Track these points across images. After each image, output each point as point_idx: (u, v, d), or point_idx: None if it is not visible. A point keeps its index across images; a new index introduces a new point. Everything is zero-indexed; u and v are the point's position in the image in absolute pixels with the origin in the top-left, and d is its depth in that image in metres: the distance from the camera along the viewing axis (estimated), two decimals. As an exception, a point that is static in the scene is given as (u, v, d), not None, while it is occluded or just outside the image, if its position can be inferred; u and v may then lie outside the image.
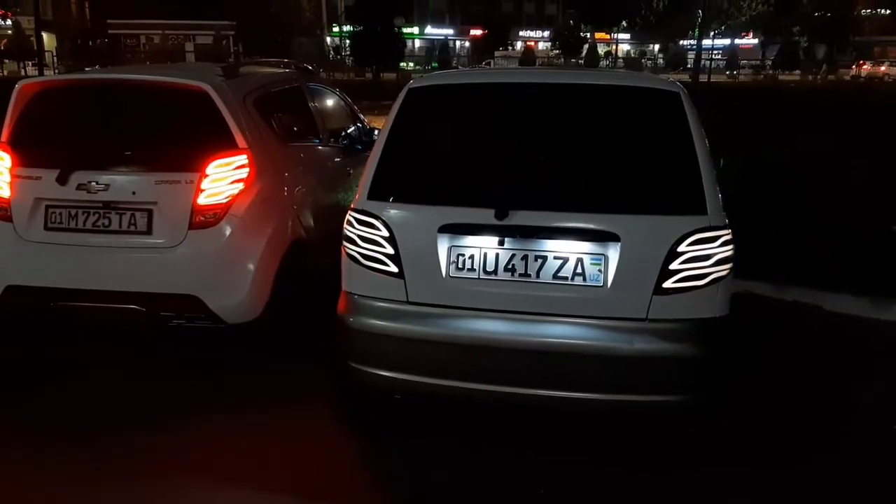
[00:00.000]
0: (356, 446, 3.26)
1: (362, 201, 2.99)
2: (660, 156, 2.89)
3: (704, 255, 2.74)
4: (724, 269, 2.79)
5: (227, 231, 3.84)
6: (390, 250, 2.89)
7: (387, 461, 3.12)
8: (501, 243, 2.80)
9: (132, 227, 3.84)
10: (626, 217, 2.77)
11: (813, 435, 3.34)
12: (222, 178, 3.86)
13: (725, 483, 2.93)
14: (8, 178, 3.93)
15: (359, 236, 2.97)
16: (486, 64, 41.61)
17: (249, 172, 3.93)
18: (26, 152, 3.94)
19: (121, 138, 3.95)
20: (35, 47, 43.18)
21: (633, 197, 2.83)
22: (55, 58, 44.78)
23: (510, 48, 54.27)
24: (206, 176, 3.82)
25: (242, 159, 3.91)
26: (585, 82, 3.12)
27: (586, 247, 2.77)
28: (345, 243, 3.03)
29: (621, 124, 2.97)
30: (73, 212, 3.87)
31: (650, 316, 2.76)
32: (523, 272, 2.79)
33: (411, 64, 46.55)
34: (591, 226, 2.76)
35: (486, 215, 2.78)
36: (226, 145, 3.89)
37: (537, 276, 2.79)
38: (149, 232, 3.83)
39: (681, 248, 2.73)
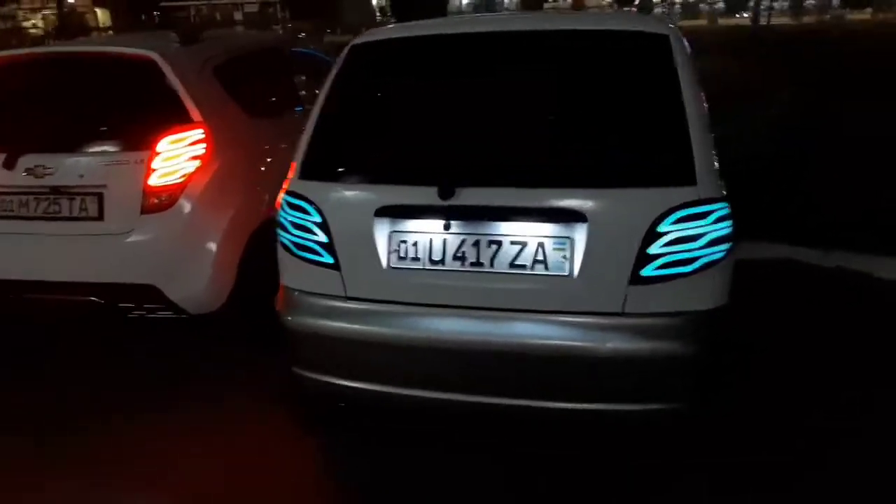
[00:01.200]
0: (318, 450, 2.91)
1: (294, 182, 2.57)
2: (639, 115, 2.36)
3: (692, 236, 2.23)
4: (718, 251, 2.27)
5: (183, 214, 3.51)
6: (323, 238, 2.48)
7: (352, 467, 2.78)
8: (448, 227, 2.35)
9: (83, 214, 3.54)
10: (594, 192, 2.27)
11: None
12: (175, 156, 3.51)
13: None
14: (-42, 165, 3.68)
15: (291, 222, 2.56)
16: None
17: (206, 148, 3.56)
18: None
19: (68, 117, 3.64)
20: (90, 24, 44.05)
21: (603, 167, 2.31)
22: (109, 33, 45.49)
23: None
24: (158, 154, 3.47)
25: (198, 134, 3.55)
26: (552, 28, 2.59)
27: (548, 229, 2.29)
28: (278, 230, 2.64)
29: (595, 78, 2.45)
30: (23, 199, 3.60)
31: (627, 310, 2.28)
32: (475, 261, 2.34)
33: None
34: (552, 204, 2.27)
35: (429, 194, 2.33)
36: (179, 119, 3.53)
37: (491, 264, 2.33)
38: (100, 218, 3.52)
39: (662, 228, 2.22)
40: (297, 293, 2.59)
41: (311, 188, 2.51)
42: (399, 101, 2.62)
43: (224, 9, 54.51)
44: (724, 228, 2.27)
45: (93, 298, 3.56)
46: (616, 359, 2.27)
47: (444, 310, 2.38)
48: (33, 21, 42.17)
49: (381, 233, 2.41)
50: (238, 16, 52.84)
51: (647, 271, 2.24)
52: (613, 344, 2.27)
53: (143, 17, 51.69)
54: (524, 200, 2.30)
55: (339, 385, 2.55)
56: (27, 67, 3.79)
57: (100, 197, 3.51)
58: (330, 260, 2.48)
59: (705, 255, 2.25)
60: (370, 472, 2.68)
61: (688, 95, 2.31)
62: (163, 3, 54.75)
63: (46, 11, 47.80)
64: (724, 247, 2.28)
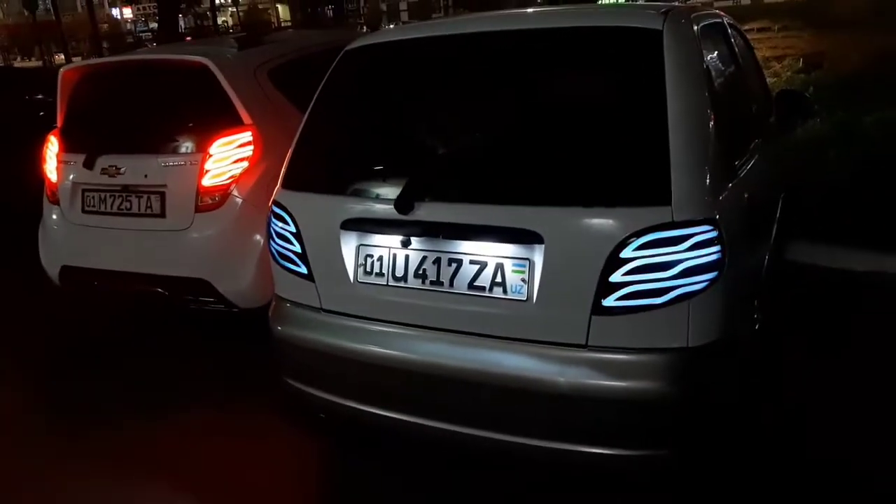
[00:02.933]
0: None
1: (277, 191, 2.58)
2: (613, 124, 2.08)
3: (662, 263, 1.95)
4: (698, 281, 1.96)
5: (231, 213, 3.69)
6: (298, 248, 2.47)
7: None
8: (407, 243, 2.23)
9: (149, 211, 3.83)
10: (551, 210, 2.04)
11: None
12: (225, 158, 3.69)
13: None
14: (55, 163, 4.12)
15: (274, 231, 2.58)
16: None
17: (254, 150, 3.70)
18: (68, 138, 4.10)
19: (135, 120, 3.93)
20: (271, 19, 47.43)
21: (565, 183, 2.08)
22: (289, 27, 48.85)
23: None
24: (210, 156, 3.67)
25: (246, 136, 3.69)
26: (536, 27, 2.36)
27: (507, 249, 2.11)
28: (269, 239, 2.67)
29: (572, 81, 2.20)
30: (102, 195, 3.95)
31: (591, 342, 2.04)
32: (435, 279, 2.21)
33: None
34: (508, 222, 2.08)
35: (389, 208, 2.23)
36: (229, 122, 3.70)
37: (451, 284, 2.19)
38: (163, 215, 3.79)
39: (625, 254, 1.96)
40: (283, 302, 2.61)
41: (289, 198, 2.51)
42: (374, 109, 2.54)
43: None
44: (707, 255, 1.95)
45: (159, 290, 3.83)
46: (578, 394, 2.05)
47: (405, 328, 2.28)
48: (223, 18, 46.27)
49: (349, 246, 2.36)
50: (403, 5, 54.42)
51: (610, 301, 1.99)
52: (574, 378, 2.05)
53: (319, 10, 54.92)
54: (481, 218, 2.13)
55: (317, 396, 2.54)
56: (102, 75, 4.13)
57: (162, 195, 3.76)
58: (304, 271, 2.47)
59: (680, 287, 1.95)
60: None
61: (674, 99, 2.01)
62: (334, -4, 57.74)
63: (232, 9, 52.20)
64: (708, 276, 1.96)
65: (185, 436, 3.10)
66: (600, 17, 2.35)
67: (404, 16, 52.55)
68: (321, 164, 2.52)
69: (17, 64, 41.25)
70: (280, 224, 2.53)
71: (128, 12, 59.21)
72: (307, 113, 2.60)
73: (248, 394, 3.40)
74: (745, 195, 2.32)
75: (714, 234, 1.96)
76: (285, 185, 2.55)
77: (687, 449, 2.10)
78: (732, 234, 2.03)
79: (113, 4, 59.07)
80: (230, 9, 51.17)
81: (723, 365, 2.07)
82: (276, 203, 2.56)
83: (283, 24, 52.07)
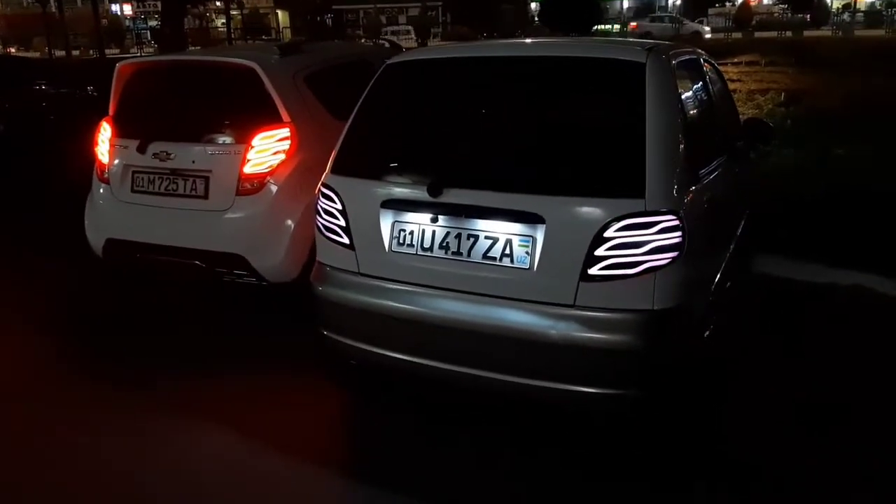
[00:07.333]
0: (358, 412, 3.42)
1: (326, 175, 3.14)
2: (603, 134, 2.69)
3: (635, 242, 2.53)
4: (663, 258, 2.55)
5: (268, 198, 4.20)
6: (343, 223, 3.03)
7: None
8: (435, 220, 2.81)
9: (193, 192, 4.34)
10: (552, 198, 2.63)
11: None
12: (265, 150, 4.21)
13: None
14: (108, 147, 4.63)
15: (322, 208, 3.14)
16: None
17: (291, 144, 4.23)
18: (121, 125, 4.62)
19: (186, 112, 4.46)
20: (271, 24, 48.00)
21: (563, 177, 2.67)
22: (284, 33, 49.56)
23: (726, 4, 49.64)
24: (252, 147, 4.19)
25: (285, 132, 4.23)
26: (543, 54, 2.96)
27: (516, 228, 2.69)
28: (315, 215, 3.22)
29: (571, 99, 2.81)
30: (150, 177, 4.46)
31: (578, 302, 2.62)
32: (456, 250, 2.78)
33: (610, 26, 44.16)
34: (518, 206, 2.66)
35: (422, 192, 2.80)
36: (271, 119, 4.23)
37: (469, 255, 2.77)
38: (206, 197, 4.30)
39: (608, 234, 2.54)
40: (326, 268, 3.16)
41: (338, 181, 3.07)
42: (410, 112, 3.12)
43: (390, 11, 57.29)
44: (670, 239, 2.54)
45: (197, 262, 4.35)
46: (568, 344, 2.62)
47: (430, 290, 2.84)
48: (222, 21, 46.81)
49: (386, 222, 2.92)
50: (402, 19, 55.36)
51: (594, 270, 2.57)
52: (565, 331, 2.62)
53: (318, 18, 55.72)
54: (496, 202, 2.71)
55: (351, 346, 3.08)
56: (157, 72, 4.67)
57: (206, 180, 4.29)
58: (346, 241, 3.02)
59: (648, 261, 2.54)
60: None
61: (653, 117, 2.60)
62: (335, 6, 58.61)
63: (234, 13, 52.77)
64: (670, 255, 2.55)
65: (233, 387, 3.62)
66: (598, 49, 2.97)
67: (404, 25, 53.30)
68: (366, 154, 3.09)
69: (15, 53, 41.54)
70: (328, 202, 3.09)
71: (128, 9, 59.53)
72: (354, 111, 3.16)
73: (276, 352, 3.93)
74: (707, 197, 2.92)
75: (676, 222, 2.55)
76: (334, 171, 3.11)
77: (651, 389, 2.67)
78: (692, 225, 2.62)
79: (113, 0, 59.35)
80: (233, 12, 51.72)
81: (679, 326, 2.65)
82: (325, 185, 3.12)
83: (282, 30, 52.77)
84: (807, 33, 33.41)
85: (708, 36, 36.39)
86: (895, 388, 3.38)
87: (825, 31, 35.26)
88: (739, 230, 3.98)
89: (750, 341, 3.79)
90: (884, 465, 2.77)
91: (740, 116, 4.84)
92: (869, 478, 2.74)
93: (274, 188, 4.20)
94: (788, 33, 33.80)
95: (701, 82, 3.50)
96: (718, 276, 3.19)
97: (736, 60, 18.47)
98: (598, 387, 2.65)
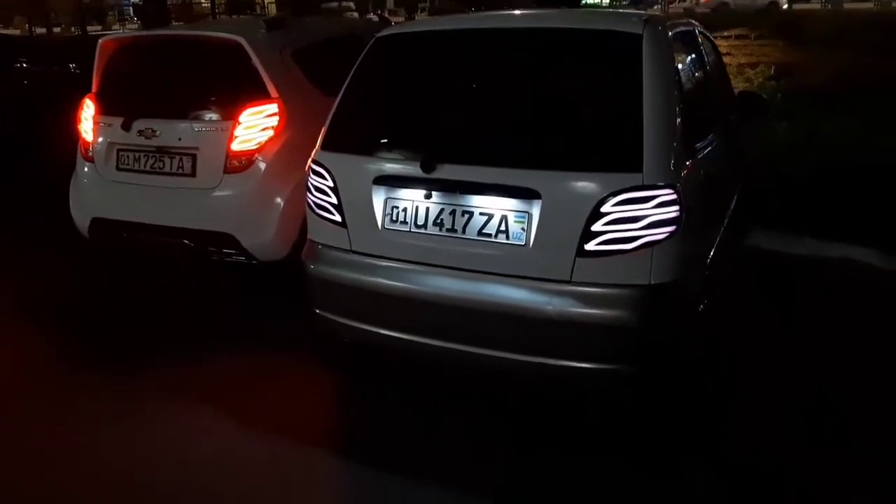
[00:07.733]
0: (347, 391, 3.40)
1: (316, 151, 3.08)
2: (600, 107, 2.64)
3: (633, 217, 2.49)
4: (660, 233, 2.51)
5: (256, 175, 4.13)
6: (335, 200, 2.97)
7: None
8: (428, 196, 2.75)
9: (180, 170, 4.26)
10: (548, 173, 2.58)
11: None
12: (253, 126, 4.13)
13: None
14: (91, 124, 4.53)
15: (313, 185, 3.08)
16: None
17: (279, 121, 4.15)
18: (105, 102, 4.51)
19: (171, 89, 4.36)
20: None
21: (559, 151, 2.62)
22: (269, 9, 48.79)
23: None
24: (239, 123, 4.11)
25: (273, 108, 4.14)
26: (537, 26, 2.90)
27: (511, 203, 2.64)
28: (306, 192, 3.16)
29: (567, 72, 2.75)
30: (136, 155, 4.37)
31: (574, 278, 2.58)
32: (450, 227, 2.74)
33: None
34: (513, 181, 2.61)
35: (415, 168, 2.75)
36: (258, 95, 4.14)
37: (463, 231, 2.72)
38: (193, 174, 4.22)
39: (604, 209, 2.50)
40: (316, 245, 3.11)
41: (328, 158, 3.00)
42: (402, 86, 3.05)
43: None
44: (667, 213, 2.50)
45: (185, 241, 4.28)
46: (565, 320, 2.59)
47: (424, 267, 2.79)
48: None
49: (378, 198, 2.86)
50: (390, -7, 54.52)
51: (591, 246, 2.54)
52: (561, 307, 2.59)
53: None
54: (491, 177, 2.66)
55: (344, 324, 3.05)
56: (141, 47, 4.56)
57: (193, 157, 4.21)
58: (338, 219, 2.97)
59: (645, 236, 2.50)
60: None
61: (650, 90, 2.55)
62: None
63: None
64: (668, 229, 2.52)
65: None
66: (594, 20, 2.90)
67: (391, 3, 52.70)
68: (357, 130, 3.02)
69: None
70: (319, 179, 3.03)
71: (109, -15, 58.30)
72: (344, 86, 3.09)
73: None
74: (703, 171, 2.88)
75: (674, 196, 2.51)
76: (325, 147, 3.04)
77: (647, 365, 2.65)
78: (689, 199, 2.58)
79: (95, -25, 58.07)
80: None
81: (675, 300, 2.63)
82: (316, 162, 3.05)
83: (267, 5, 51.88)
84: (796, 6, 33.14)
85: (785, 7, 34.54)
86: (884, 359, 3.39)
87: (815, 5, 35.03)
88: (733, 204, 3.96)
89: (743, 315, 3.78)
90: (884, 466, 2.74)
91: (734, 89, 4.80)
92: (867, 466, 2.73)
93: (262, 165, 4.13)
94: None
95: (696, 54, 3.44)
96: (713, 250, 3.17)
97: (726, 34, 18.38)
98: (594, 362, 2.63)
